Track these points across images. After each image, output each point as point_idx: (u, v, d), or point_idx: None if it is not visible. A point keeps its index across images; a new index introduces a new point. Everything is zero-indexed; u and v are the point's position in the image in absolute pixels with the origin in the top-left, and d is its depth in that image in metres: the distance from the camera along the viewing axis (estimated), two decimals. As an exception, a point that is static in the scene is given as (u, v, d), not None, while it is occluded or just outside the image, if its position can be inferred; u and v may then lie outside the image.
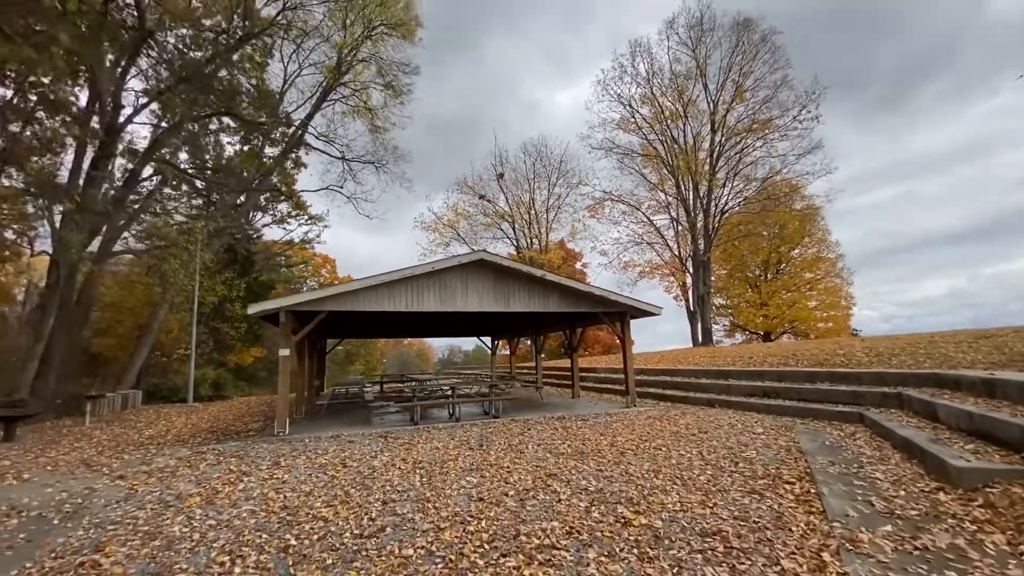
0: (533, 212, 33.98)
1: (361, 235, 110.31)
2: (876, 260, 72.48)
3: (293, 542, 3.88)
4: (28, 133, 17.81)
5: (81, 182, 15.44)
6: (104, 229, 18.90)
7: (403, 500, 4.89)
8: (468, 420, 10.25)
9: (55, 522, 4.64)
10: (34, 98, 17.54)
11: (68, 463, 7.44)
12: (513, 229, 34.12)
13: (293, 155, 30.54)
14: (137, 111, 15.70)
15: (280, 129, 28.85)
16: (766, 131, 24.35)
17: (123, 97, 15.98)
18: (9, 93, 17.27)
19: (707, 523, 3.93)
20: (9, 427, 9.65)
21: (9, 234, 21.04)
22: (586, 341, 50.81)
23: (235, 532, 4.16)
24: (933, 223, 72.87)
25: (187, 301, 19.20)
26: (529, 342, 35.96)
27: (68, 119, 16.05)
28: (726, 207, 25.72)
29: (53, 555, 3.82)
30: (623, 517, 4.12)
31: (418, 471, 6.05)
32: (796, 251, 41.30)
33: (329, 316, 10.54)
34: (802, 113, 23.83)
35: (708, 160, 25.47)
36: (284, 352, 9.36)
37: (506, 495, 4.93)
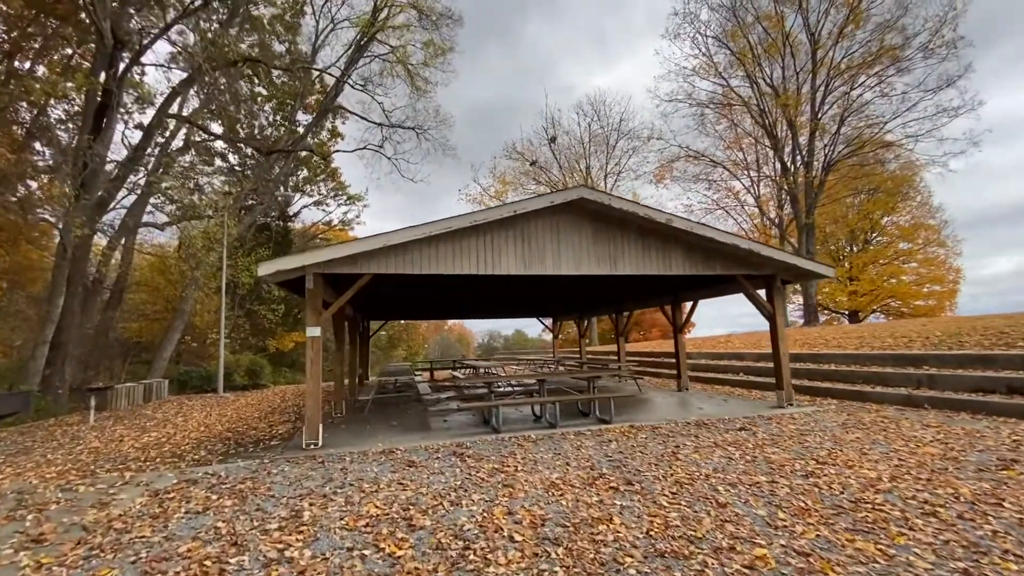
0: (590, 180, 30.43)
1: (403, 222, 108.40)
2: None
3: None
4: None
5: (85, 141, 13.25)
6: (128, 200, 16.98)
7: None
8: (567, 426, 7.30)
9: None
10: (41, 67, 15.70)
11: (-4, 498, 4.95)
12: (567, 200, 30.62)
13: (329, 125, 28.35)
14: (142, 50, 13.28)
15: (315, 96, 26.71)
16: (887, 61, 19.65)
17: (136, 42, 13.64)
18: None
19: None
20: (-30, 432, 7.41)
21: (45, 214, 19.52)
22: (642, 324, 46.76)
23: None
24: (1005, 196, 62.19)
25: (214, 278, 17.10)
26: (578, 324, 32.83)
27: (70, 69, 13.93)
28: (833, 159, 21.32)
29: None
30: None
31: (552, 550, 3.12)
32: (887, 218, 36.15)
33: (372, 284, 7.75)
34: (934, 39, 19.09)
35: (810, 102, 21.16)
36: (313, 332, 6.61)
37: None
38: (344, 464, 5.49)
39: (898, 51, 19.05)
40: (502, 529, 3.50)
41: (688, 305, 11.52)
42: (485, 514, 3.80)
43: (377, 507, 4.05)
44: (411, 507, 4.03)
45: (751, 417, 7.54)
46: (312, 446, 6.37)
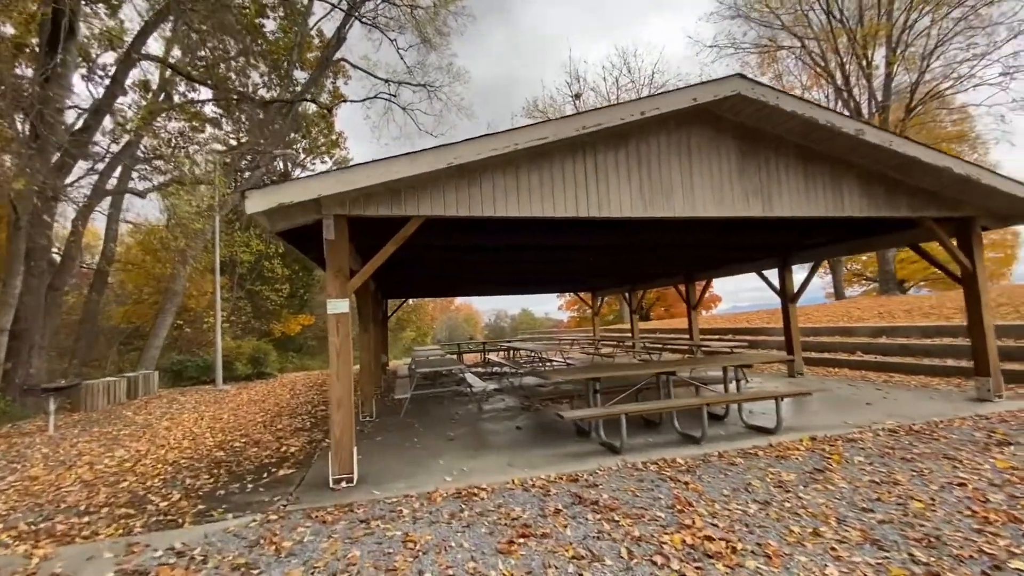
0: (617, 141, 27.50)
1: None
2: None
3: None
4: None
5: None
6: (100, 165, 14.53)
7: None
8: (715, 441, 4.98)
9: None
10: None
11: None
12: (592, 164, 27.92)
13: (330, 85, 25.70)
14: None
15: (313, 53, 24.26)
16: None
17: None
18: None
19: None
20: None
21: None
22: (666, 298, 43.82)
23: None
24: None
25: (207, 253, 14.75)
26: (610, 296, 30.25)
27: None
28: (921, 99, 18.45)
29: None
30: None
31: None
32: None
33: (416, 238, 5.28)
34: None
35: (886, 32, 18.18)
36: (338, 307, 4.25)
37: None
38: (405, 528, 3.20)
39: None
40: None
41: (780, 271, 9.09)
42: None
43: None
44: None
45: (968, 417, 5.21)
46: (345, 484, 4.08)
